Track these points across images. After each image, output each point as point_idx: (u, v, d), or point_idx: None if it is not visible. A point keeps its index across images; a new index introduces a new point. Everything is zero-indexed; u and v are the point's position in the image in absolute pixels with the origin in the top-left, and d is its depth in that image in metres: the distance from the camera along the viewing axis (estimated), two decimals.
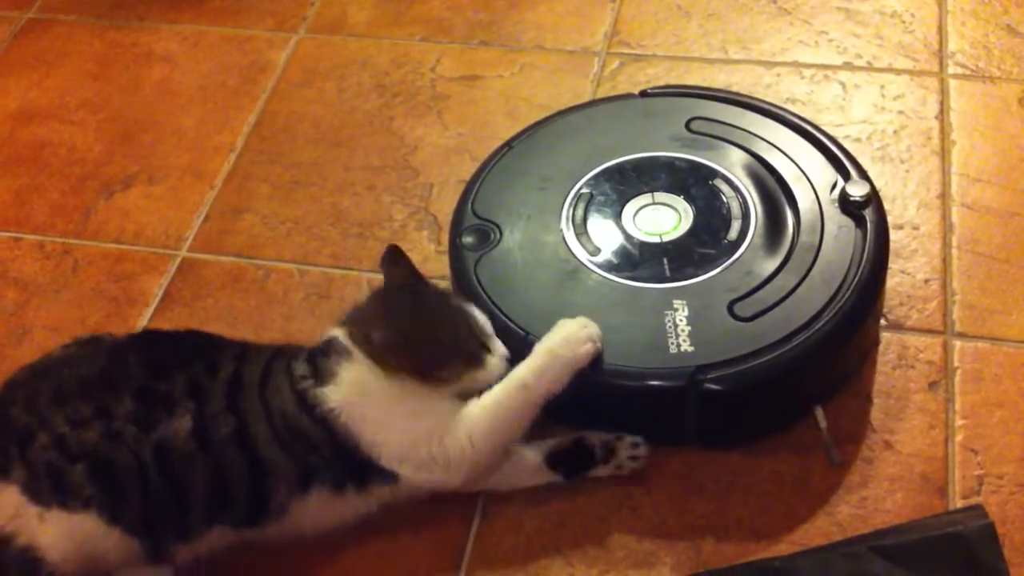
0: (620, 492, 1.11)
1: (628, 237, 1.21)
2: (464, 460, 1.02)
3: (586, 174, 1.27)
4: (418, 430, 1.02)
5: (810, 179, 1.23)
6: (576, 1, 1.68)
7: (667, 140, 1.30)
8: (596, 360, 1.07)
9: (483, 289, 1.17)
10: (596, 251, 1.20)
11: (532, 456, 1.09)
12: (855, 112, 1.47)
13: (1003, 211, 1.34)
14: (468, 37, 1.65)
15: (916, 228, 1.33)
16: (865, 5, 1.62)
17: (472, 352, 1.04)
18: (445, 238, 1.30)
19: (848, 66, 1.54)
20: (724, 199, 1.23)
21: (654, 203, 1.24)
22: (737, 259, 1.17)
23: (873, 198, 1.20)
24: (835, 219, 1.19)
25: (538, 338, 1.10)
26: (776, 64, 1.55)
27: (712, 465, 1.13)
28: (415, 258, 1.34)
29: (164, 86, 1.63)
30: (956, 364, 1.19)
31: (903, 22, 1.59)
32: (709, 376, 1.07)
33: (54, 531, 0.95)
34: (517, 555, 1.07)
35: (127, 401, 0.99)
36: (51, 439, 0.97)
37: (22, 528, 0.96)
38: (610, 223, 1.23)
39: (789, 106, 1.42)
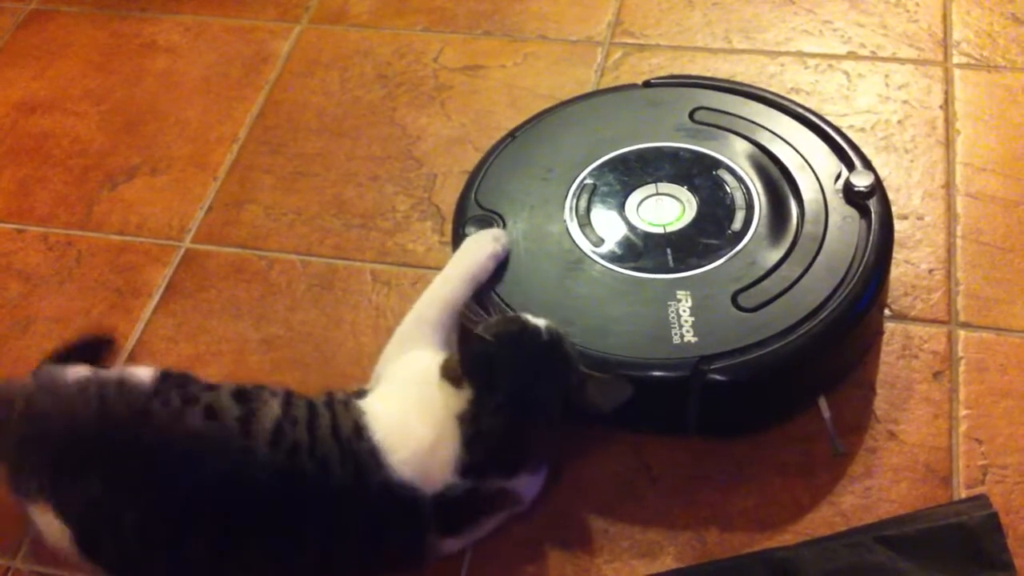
0: (625, 482, 1.11)
1: (632, 228, 1.21)
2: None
3: (589, 164, 1.27)
4: None
5: (814, 169, 1.23)
6: None
7: (671, 130, 1.30)
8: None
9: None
10: (599, 242, 1.20)
11: None
12: (859, 102, 1.47)
13: (1008, 200, 1.33)
14: (471, 27, 1.64)
15: (920, 218, 1.32)
16: None
17: None
18: (449, 229, 1.29)
19: (852, 55, 1.53)
20: (728, 189, 1.23)
21: (658, 193, 1.24)
22: (741, 249, 1.17)
23: (877, 188, 1.20)
24: (839, 209, 1.19)
25: None
26: (780, 54, 1.55)
27: (716, 455, 1.13)
28: (418, 249, 1.35)
29: (167, 77, 1.63)
30: (960, 354, 1.19)
31: (907, 11, 1.59)
32: (713, 367, 1.07)
33: None
34: (522, 545, 1.07)
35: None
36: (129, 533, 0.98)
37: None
38: (613, 214, 1.22)
39: (793, 96, 1.42)
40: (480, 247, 1.18)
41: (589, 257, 1.18)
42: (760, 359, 1.08)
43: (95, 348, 1.24)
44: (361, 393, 1.08)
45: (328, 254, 1.36)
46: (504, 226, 1.22)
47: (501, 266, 1.18)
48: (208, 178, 1.47)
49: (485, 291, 1.16)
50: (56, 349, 1.19)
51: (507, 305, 1.13)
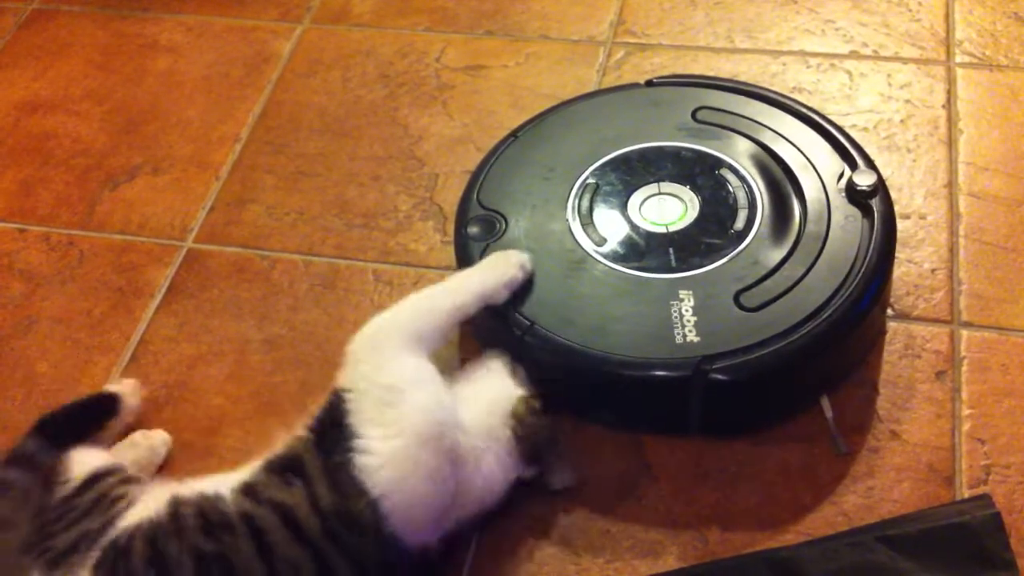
0: (626, 482, 1.11)
1: (634, 227, 1.21)
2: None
3: (592, 164, 1.27)
4: None
5: (817, 168, 1.23)
6: None
7: (673, 130, 1.30)
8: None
9: None
10: (602, 241, 1.20)
11: None
12: (862, 101, 1.47)
13: (1010, 200, 1.33)
14: (473, 27, 1.64)
15: (923, 217, 1.32)
16: None
17: None
18: (450, 228, 1.29)
19: (855, 55, 1.53)
20: (730, 189, 1.23)
21: (660, 193, 1.24)
22: (743, 249, 1.17)
23: (880, 187, 1.20)
24: (842, 208, 1.19)
25: (543, 327, 1.11)
26: (782, 53, 1.55)
27: (718, 455, 1.12)
28: (420, 248, 1.35)
29: (168, 77, 1.63)
30: (963, 353, 1.19)
31: (910, 10, 1.59)
32: (715, 366, 1.07)
33: None
34: (523, 545, 1.07)
35: None
36: None
37: None
38: (616, 213, 1.22)
39: (795, 95, 1.42)
40: (502, 269, 1.13)
41: (591, 256, 1.18)
42: (762, 359, 1.08)
43: (99, 410, 1.16)
44: (347, 439, 0.97)
45: (330, 254, 1.36)
46: (506, 226, 1.22)
47: None
48: (210, 178, 1.47)
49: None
50: (58, 410, 1.12)
51: (509, 304, 1.14)
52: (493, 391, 1.06)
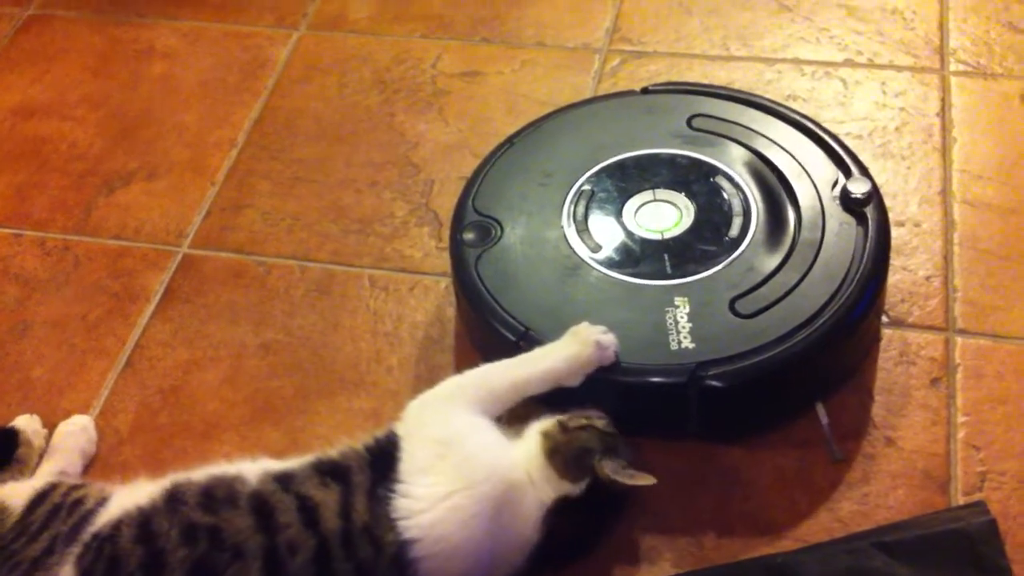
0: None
1: (629, 234, 1.21)
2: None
3: (587, 171, 1.27)
4: None
5: (811, 176, 1.23)
6: None
7: (668, 137, 1.30)
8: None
9: (484, 285, 1.17)
10: (597, 248, 1.20)
11: None
12: (856, 109, 1.47)
13: (1004, 208, 1.34)
14: (469, 33, 1.65)
15: (917, 225, 1.33)
16: (866, 2, 1.62)
17: None
18: (446, 235, 1.29)
19: (849, 63, 1.54)
20: (725, 196, 1.23)
21: (655, 200, 1.24)
22: (738, 256, 1.17)
23: (874, 195, 1.20)
24: (836, 216, 1.19)
25: (538, 334, 1.11)
26: (777, 61, 1.55)
27: (714, 461, 1.13)
28: (416, 255, 1.35)
29: (164, 82, 1.63)
30: (958, 361, 1.19)
31: (904, 19, 1.59)
32: (710, 373, 1.07)
33: None
34: None
35: None
36: None
37: None
38: (611, 220, 1.23)
39: (790, 103, 1.42)
40: (575, 349, 1.07)
41: (587, 263, 1.18)
42: (757, 365, 1.08)
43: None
44: (389, 468, 0.98)
45: (326, 259, 1.36)
46: (502, 232, 1.22)
47: (499, 271, 1.18)
48: (206, 183, 1.47)
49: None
50: None
51: (504, 310, 1.14)
52: (537, 426, 1.05)
